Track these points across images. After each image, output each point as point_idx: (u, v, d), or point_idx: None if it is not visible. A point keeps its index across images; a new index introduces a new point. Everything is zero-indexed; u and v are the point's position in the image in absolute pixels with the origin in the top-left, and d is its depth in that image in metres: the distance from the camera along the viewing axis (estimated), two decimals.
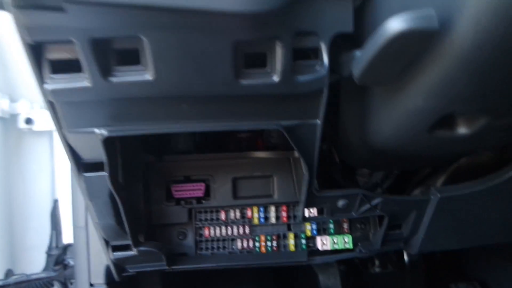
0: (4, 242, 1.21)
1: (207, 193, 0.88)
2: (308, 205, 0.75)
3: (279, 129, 0.61)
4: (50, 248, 1.16)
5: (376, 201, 0.77)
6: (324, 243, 0.89)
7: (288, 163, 0.88)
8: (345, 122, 0.77)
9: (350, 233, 0.91)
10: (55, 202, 1.19)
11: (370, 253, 0.89)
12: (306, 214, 0.80)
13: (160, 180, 0.87)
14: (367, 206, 0.78)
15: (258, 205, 0.89)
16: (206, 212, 0.90)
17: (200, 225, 0.89)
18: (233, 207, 0.89)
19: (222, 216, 0.89)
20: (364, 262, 1.63)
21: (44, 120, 1.33)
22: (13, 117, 1.31)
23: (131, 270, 0.82)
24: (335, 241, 0.89)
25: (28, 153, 1.35)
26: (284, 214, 0.90)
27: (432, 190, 0.80)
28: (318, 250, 0.90)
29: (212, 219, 0.90)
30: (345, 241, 0.90)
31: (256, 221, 0.90)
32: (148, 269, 0.82)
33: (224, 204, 0.88)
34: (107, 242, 0.77)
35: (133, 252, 0.78)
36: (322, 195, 0.73)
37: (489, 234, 0.88)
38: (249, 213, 0.90)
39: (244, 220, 0.90)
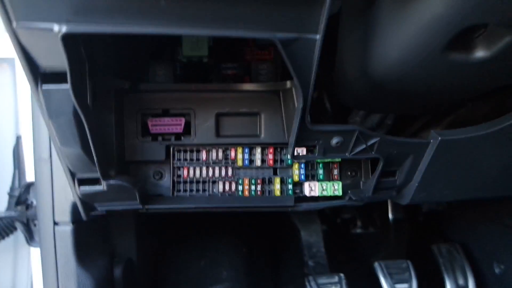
0: None
1: (187, 130, 0.80)
2: (299, 142, 0.68)
3: (274, 40, 0.53)
4: (12, 188, 1.06)
5: (373, 140, 0.71)
6: (312, 189, 0.83)
7: (278, 99, 0.80)
8: (343, 50, 0.69)
9: (340, 180, 0.85)
10: (18, 138, 1.09)
11: (360, 201, 0.83)
12: (296, 153, 0.72)
13: (135, 112, 0.78)
14: (362, 146, 0.71)
15: (243, 146, 0.82)
16: (185, 150, 0.82)
17: (179, 165, 0.82)
18: (215, 146, 0.82)
19: (203, 155, 0.82)
20: (346, 222, 1.60)
21: (5, 44, 1.20)
22: None
23: (100, 208, 0.74)
24: (324, 187, 0.83)
25: None
26: (270, 156, 0.83)
27: (432, 133, 0.74)
28: (305, 196, 0.84)
29: (191, 159, 0.82)
30: (334, 188, 0.84)
31: (240, 163, 0.82)
32: (120, 207, 0.74)
33: (205, 142, 0.80)
34: (73, 175, 0.69)
35: (102, 187, 0.70)
36: (316, 128, 0.66)
37: (487, 186, 0.83)
38: (232, 154, 0.82)
39: (227, 161, 0.83)
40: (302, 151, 0.74)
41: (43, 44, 0.49)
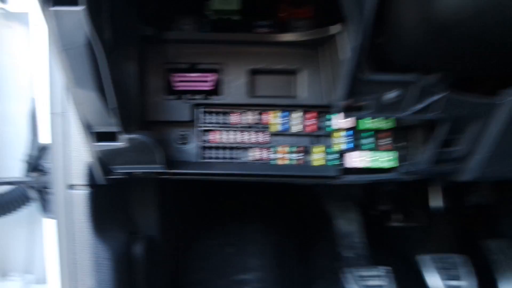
0: None
1: (216, 88, 0.71)
2: (349, 94, 0.57)
3: None
4: (27, 154, 0.99)
5: (437, 96, 0.59)
6: (359, 159, 0.72)
7: (317, 55, 0.69)
8: None
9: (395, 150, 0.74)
10: (33, 100, 1.02)
11: (416, 174, 0.71)
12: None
13: (159, 66, 0.69)
14: (424, 103, 0.60)
15: (279, 108, 0.72)
16: (214, 112, 0.72)
17: (205, 128, 0.72)
18: (248, 107, 0.72)
19: (234, 118, 0.72)
20: (382, 214, 1.47)
21: None
22: None
23: (120, 170, 0.65)
24: (375, 157, 0.72)
25: (2, 40, 1.16)
26: (311, 121, 0.73)
27: (507, 92, 0.61)
28: (352, 168, 0.73)
29: (221, 122, 0.73)
30: (387, 158, 0.73)
31: (275, 128, 0.72)
32: (141, 170, 0.65)
33: (237, 102, 0.71)
34: (89, 128, 0.60)
35: (121, 142, 0.61)
36: (370, 78, 0.55)
37: None
38: (267, 117, 0.73)
39: (261, 126, 0.73)
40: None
41: None
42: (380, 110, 0.60)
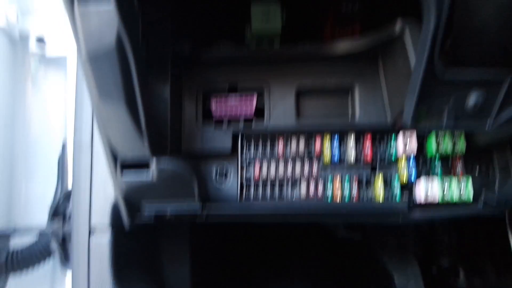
0: (4, 192, 0.99)
1: (259, 111, 0.63)
2: (421, 98, 0.47)
3: None
4: (53, 201, 0.91)
5: None
6: (428, 190, 0.60)
7: (375, 66, 0.61)
8: None
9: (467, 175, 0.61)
10: (64, 146, 0.95)
11: (502, 207, 0.58)
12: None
13: (196, 89, 0.62)
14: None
15: (331, 132, 0.62)
16: (256, 141, 0.63)
17: (248, 160, 0.63)
18: (296, 133, 0.62)
19: (279, 147, 0.63)
20: (444, 272, 1.28)
21: (58, 40, 1.12)
22: (23, 39, 1.11)
23: (148, 210, 0.55)
24: (446, 187, 0.60)
25: (38, 86, 1.12)
26: (368, 147, 0.62)
27: None
28: (418, 203, 0.61)
29: (264, 153, 0.63)
30: (460, 189, 0.60)
31: (327, 157, 0.62)
32: (173, 209, 0.55)
33: (283, 126, 0.62)
34: (114, 157, 0.52)
35: (151, 173, 0.52)
36: (448, 78, 0.45)
37: None
38: (317, 144, 0.63)
39: (311, 154, 0.63)
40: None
41: None
42: (459, 119, 0.50)
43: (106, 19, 0.40)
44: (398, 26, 0.51)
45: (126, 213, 0.55)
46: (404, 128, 0.56)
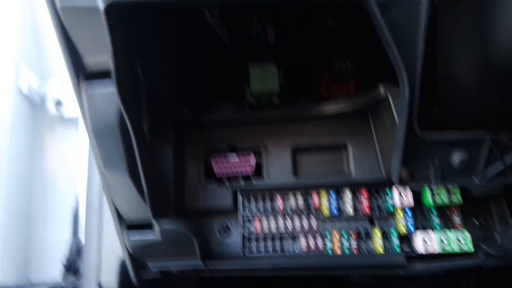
0: (20, 246, 1.03)
1: (257, 169, 0.66)
2: (406, 160, 0.50)
3: (369, 3, 0.40)
4: (67, 255, 0.94)
5: None
6: (427, 242, 0.61)
7: (367, 124, 0.64)
8: (447, 42, 0.54)
9: (466, 230, 0.62)
10: (76, 200, 1.00)
11: (503, 259, 0.58)
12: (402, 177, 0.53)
13: (197, 150, 0.67)
14: (499, 166, 0.51)
15: (327, 187, 0.65)
16: (256, 197, 0.66)
17: (249, 216, 0.66)
18: (293, 190, 0.65)
19: (279, 203, 0.66)
20: None
21: (73, 102, 1.21)
22: (43, 101, 1.20)
23: (153, 267, 0.58)
24: (444, 239, 0.61)
25: (54, 143, 1.21)
26: (365, 201, 0.64)
27: None
28: (417, 255, 0.61)
29: (265, 209, 0.66)
30: (459, 240, 0.61)
31: (326, 211, 0.64)
32: (177, 266, 0.58)
33: (281, 183, 0.65)
34: (120, 219, 0.56)
35: (155, 234, 0.56)
36: (428, 138, 0.48)
37: None
38: (315, 199, 0.65)
39: (309, 210, 0.65)
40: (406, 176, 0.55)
41: (85, 28, 0.41)
42: (446, 176, 0.52)
43: (109, 100, 0.45)
44: (382, 90, 0.55)
45: (132, 270, 0.58)
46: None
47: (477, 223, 0.64)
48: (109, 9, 0.39)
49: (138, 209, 0.54)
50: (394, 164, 0.50)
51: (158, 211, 0.54)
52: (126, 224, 0.56)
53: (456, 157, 0.50)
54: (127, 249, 0.57)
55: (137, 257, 0.58)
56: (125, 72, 0.45)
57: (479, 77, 0.53)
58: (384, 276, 0.58)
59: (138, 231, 0.55)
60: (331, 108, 0.63)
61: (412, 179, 0.52)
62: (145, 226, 0.56)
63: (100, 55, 0.43)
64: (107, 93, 0.45)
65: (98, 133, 0.47)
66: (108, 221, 0.63)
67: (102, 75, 0.44)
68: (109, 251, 0.62)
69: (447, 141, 0.49)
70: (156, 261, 0.58)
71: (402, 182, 0.51)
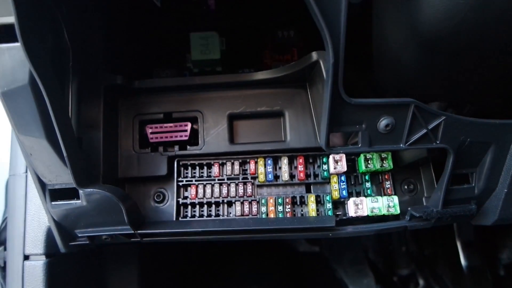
0: None
1: (194, 137, 0.65)
2: (334, 125, 0.50)
3: None
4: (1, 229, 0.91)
5: (436, 121, 0.52)
6: (358, 206, 0.63)
7: (305, 92, 0.64)
8: (381, 15, 0.54)
9: (396, 194, 0.65)
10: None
11: (426, 220, 0.61)
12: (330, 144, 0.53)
13: (131, 117, 0.64)
14: (422, 130, 0.52)
15: (265, 155, 0.65)
16: (193, 165, 0.65)
17: (185, 183, 0.65)
18: (230, 157, 0.65)
19: (215, 170, 0.65)
20: (404, 280, 1.31)
21: None
22: None
23: (82, 234, 0.57)
24: (374, 203, 0.63)
25: None
26: (301, 168, 0.65)
27: None
28: (350, 218, 0.63)
29: (201, 175, 0.65)
30: (388, 205, 0.63)
31: (261, 178, 0.64)
32: (105, 233, 0.57)
33: (217, 151, 0.64)
34: (42, 185, 0.53)
35: (80, 201, 0.54)
36: (355, 102, 0.48)
37: None
38: (252, 166, 0.65)
39: (246, 176, 0.65)
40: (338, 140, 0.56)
41: None
42: (374, 142, 0.53)
43: (17, 57, 0.42)
44: (315, 56, 0.54)
45: (59, 238, 0.56)
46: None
47: (406, 187, 0.66)
48: None
49: (59, 175, 0.51)
50: (322, 130, 0.51)
51: (83, 178, 0.52)
52: (49, 192, 0.53)
53: (383, 121, 0.51)
54: (52, 218, 0.55)
55: (64, 225, 0.56)
56: (36, 29, 0.42)
57: (408, 46, 0.53)
58: (317, 238, 0.60)
59: (61, 199, 0.53)
60: (267, 75, 0.62)
61: (340, 145, 0.53)
62: (69, 193, 0.53)
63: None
64: (13, 47, 0.41)
65: (7, 93, 0.43)
66: (33, 191, 0.60)
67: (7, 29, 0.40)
68: (35, 221, 0.59)
69: (374, 106, 0.50)
70: (85, 229, 0.57)
71: (330, 148, 0.52)
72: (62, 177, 0.52)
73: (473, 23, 0.46)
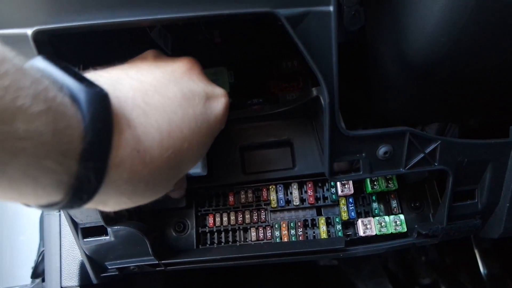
0: None
1: (210, 170, 0.70)
2: (335, 156, 0.54)
3: (279, 17, 0.44)
4: (35, 261, 0.97)
5: (432, 145, 0.55)
6: (367, 226, 0.66)
7: (310, 123, 0.68)
8: (373, 38, 0.58)
9: (402, 213, 0.68)
10: None
11: (433, 236, 0.64)
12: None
13: None
14: (420, 154, 0.55)
15: (276, 182, 0.69)
16: (209, 195, 0.70)
17: (202, 212, 0.70)
18: (244, 186, 0.70)
19: (230, 199, 0.70)
20: None
21: None
22: None
23: (110, 266, 0.62)
24: (382, 223, 0.66)
25: None
26: (310, 193, 0.69)
27: (511, 129, 0.57)
28: (360, 238, 0.67)
29: (217, 204, 0.70)
30: (395, 223, 0.66)
31: (274, 204, 0.69)
32: (132, 264, 0.62)
33: (231, 182, 0.69)
34: (75, 224, 0.59)
35: (108, 237, 0.59)
36: (352, 134, 0.52)
37: None
38: (264, 193, 0.69)
39: (259, 203, 0.70)
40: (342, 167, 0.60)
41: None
42: (374, 168, 0.56)
43: None
44: (314, 91, 0.59)
45: (91, 271, 0.62)
46: None
47: (412, 205, 0.69)
48: (37, 36, 0.41)
49: (90, 215, 0.57)
50: (324, 160, 0.55)
51: (111, 217, 0.58)
52: (80, 229, 0.59)
53: (381, 149, 0.54)
54: (84, 252, 0.61)
55: (95, 259, 0.61)
56: None
57: (400, 75, 0.57)
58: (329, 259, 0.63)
59: (92, 236, 0.59)
60: (274, 109, 0.67)
61: (343, 173, 0.57)
62: (99, 230, 0.59)
63: None
64: None
65: None
66: (66, 226, 0.66)
67: None
68: (70, 254, 0.65)
69: (371, 137, 0.53)
70: (114, 261, 0.62)
71: (333, 177, 0.56)
72: (92, 216, 0.57)
73: (457, 55, 0.49)
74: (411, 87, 0.58)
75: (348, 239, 0.67)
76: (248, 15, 0.43)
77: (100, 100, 0.32)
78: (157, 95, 0.40)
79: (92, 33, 0.48)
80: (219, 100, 0.49)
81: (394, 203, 0.68)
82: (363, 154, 0.55)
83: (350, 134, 0.52)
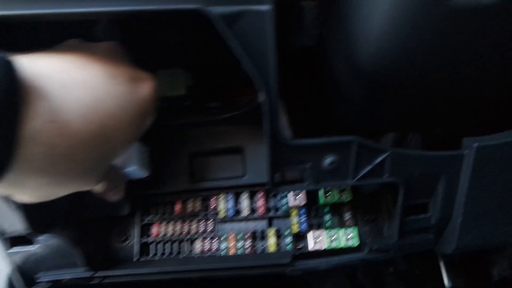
0: None
1: (155, 176, 0.66)
2: (279, 165, 0.51)
3: (213, 17, 0.41)
4: None
5: (381, 156, 0.52)
6: (317, 240, 0.63)
7: (262, 129, 0.65)
8: (327, 42, 0.55)
9: (356, 226, 0.65)
10: None
11: (384, 252, 0.61)
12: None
13: None
14: (368, 166, 0.53)
15: (225, 191, 0.66)
16: (155, 203, 0.66)
17: (145, 222, 0.66)
18: (192, 194, 0.66)
19: (177, 207, 0.66)
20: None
21: None
22: None
23: (43, 279, 0.58)
24: (333, 236, 0.63)
25: None
26: (261, 202, 0.65)
27: (464, 141, 0.55)
28: (309, 252, 0.64)
29: (163, 213, 0.66)
30: (347, 237, 0.63)
31: (222, 213, 0.65)
32: (65, 276, 0.58)
33: (178, 189, 0.65)
34: (2, 234, 0.55)
35: (37, 247, 0.55)
36: (295, 143, 0.49)
37: None
38: (213, 203, 0.66)
39: (207, 213, 0.66)
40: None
41: None
42: (320, 179, 0.53)
43: None
44: (261, 96, 0.56)
45: (20, 284, 0.58)
46: None
47: (367, 218, 0.66)
48: None
49: (14, 223, 0.53)
50: (267, 170, 0.52)
51: (38, 225, 0.53)
52: (8, 238, 0.55)
53: (327, 160, 0.52)
54: (13, 264, 0.56)
55: (24, 271, 0.57)
56: None
57: (352, 82, 0.55)
58: (273, 274, 0.60)
59: (19, 247, 0.55)
60: (221, 114, 0.64)
61: (286, 184, 0.54)
62: (26, 238, 0.55)
63: None
64: None
65: None
66: None
67: None
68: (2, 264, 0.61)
69: (316, 146, 0.50)
70: (46, 274, 0.58)
71: (275, 188, 0.53)
72: (17, 225, 0.53)
73: (407, 61, 0.47)
74: (363, 95, 0.55)
75: (298, 253, 0.63)
76: (176, 12, 0.40)
77: (1, 65, 0.31)
78: (78, 72, 0.40)
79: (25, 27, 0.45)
80: (145, 82, 0.48)
81: (347, 216, 0.65)
82: (308, 164, 0.52)
83: (292, 143, 0.49)
